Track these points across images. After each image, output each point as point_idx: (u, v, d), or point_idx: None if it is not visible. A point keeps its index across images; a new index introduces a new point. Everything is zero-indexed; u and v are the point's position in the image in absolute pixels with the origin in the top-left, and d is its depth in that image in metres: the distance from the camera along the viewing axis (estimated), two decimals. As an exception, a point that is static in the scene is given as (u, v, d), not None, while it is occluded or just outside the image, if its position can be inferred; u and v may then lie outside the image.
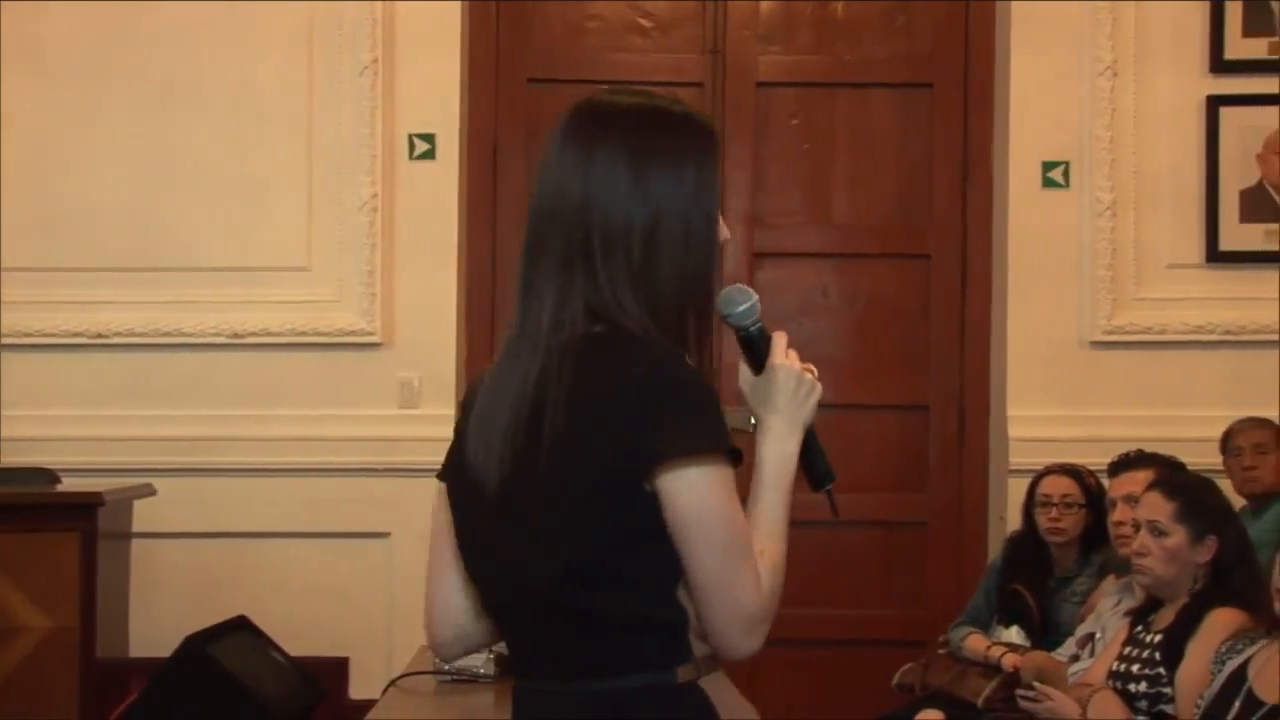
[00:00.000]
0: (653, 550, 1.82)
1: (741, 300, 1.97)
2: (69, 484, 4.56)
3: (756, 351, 1.97)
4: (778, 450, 1.95)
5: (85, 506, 4.35)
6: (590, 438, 1.81)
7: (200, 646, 4.36)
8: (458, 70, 5.09)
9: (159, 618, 4.73)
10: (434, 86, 5.06)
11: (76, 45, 4.98)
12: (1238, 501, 4.59)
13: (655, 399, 1.81)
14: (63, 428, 4.85)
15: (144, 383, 4.98)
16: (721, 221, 1.93)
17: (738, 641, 1.85)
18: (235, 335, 4.99)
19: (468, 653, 2.08)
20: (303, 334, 5.00)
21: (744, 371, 1.99)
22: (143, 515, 4.76)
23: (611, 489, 1.81)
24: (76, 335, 4.96)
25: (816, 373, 1.97)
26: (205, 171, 5.01)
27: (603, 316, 1.85)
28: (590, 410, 1.81)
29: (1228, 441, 4.73)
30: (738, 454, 1.84)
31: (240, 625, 4.65)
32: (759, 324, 1.98)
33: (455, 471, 1.96)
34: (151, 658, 4.53)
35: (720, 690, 1.93)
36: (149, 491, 4.73)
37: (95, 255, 4.96)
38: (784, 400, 1.95)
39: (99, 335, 4.97)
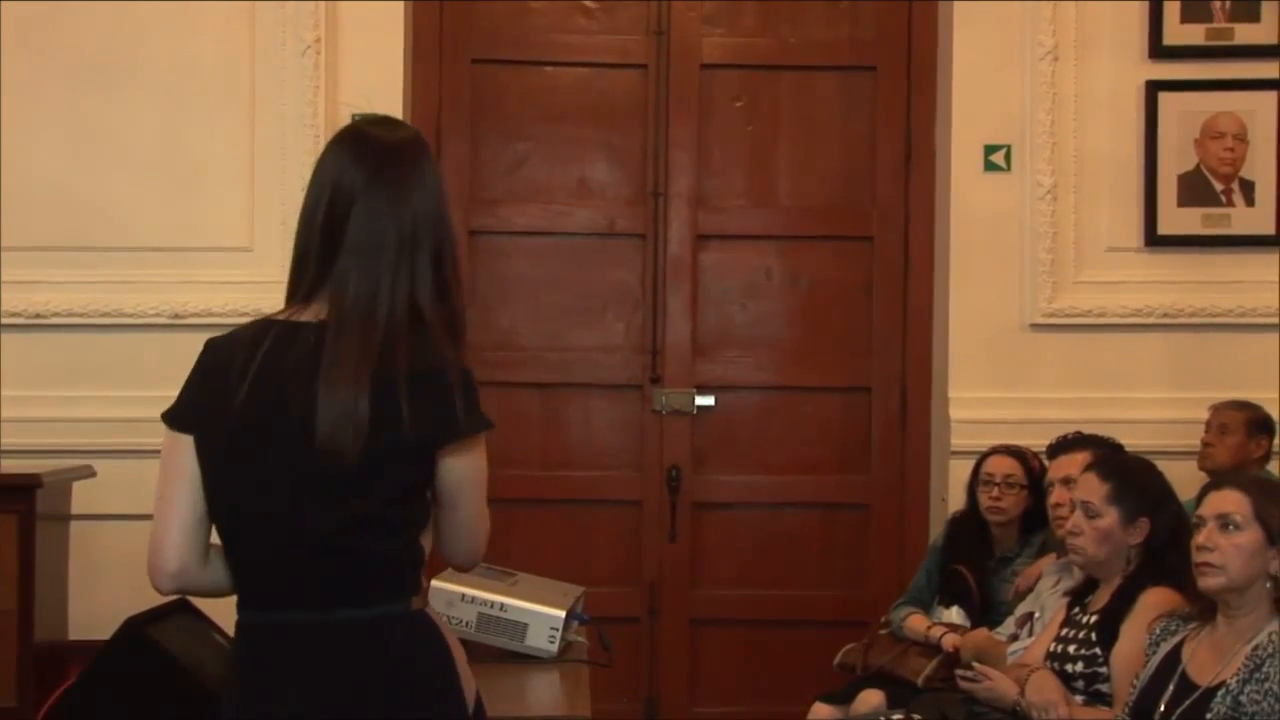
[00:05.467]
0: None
1: None
2: (6, 465, 4.52)
3: None
4: None
5: (23, 488, 4.30)
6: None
7: (140, 629, 4.32)
8: (401, 50, 5.05)
9: (98, 600, 4.69)
10: (377, 66, 5.02)
11: (11, 22, 4.90)
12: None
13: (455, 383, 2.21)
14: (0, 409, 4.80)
15: (83, 363, 4.92)
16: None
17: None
18: (176, 316, 4.94)
19: (183, 592, 2.36)
20: (245, 315, 4.91)
21: None
22: (82, 497, 4.72)
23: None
24: (14, 315, 4.89)
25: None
26: (146, 151, 4.96)
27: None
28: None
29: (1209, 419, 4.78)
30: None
31: (181, 607, 4.60)
32: None
33: (215, 422, 2.33)
34: (91, 640, 4.49)
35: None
36: (88, 473, 4.69)
37: (33, 234, 4.90)
38: None
39: (37, 315, 4.92)
